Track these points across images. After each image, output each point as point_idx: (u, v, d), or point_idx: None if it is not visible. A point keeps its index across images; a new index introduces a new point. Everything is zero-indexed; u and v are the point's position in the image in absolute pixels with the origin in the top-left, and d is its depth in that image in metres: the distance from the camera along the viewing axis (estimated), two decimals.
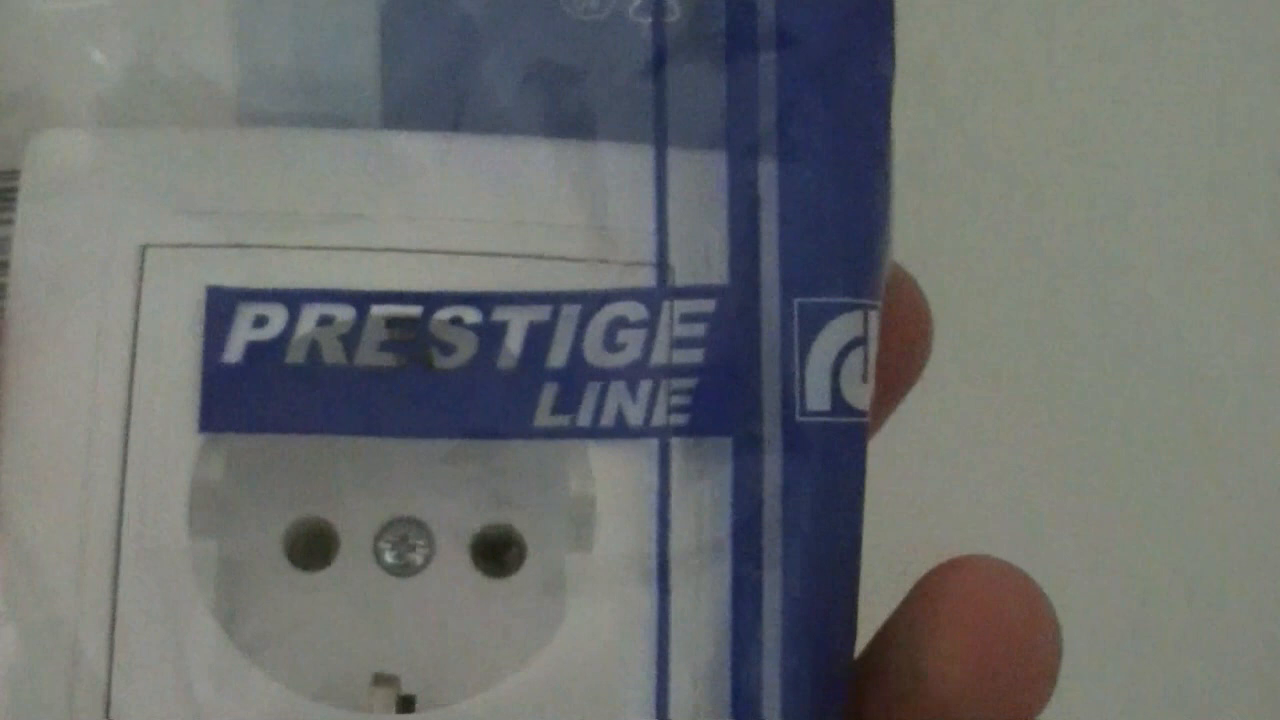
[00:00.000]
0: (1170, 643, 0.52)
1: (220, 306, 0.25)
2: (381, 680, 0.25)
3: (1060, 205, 0.51)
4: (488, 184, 0.26)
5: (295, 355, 0.25)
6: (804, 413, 0.25)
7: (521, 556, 0.26)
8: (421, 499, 0.26)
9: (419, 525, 0.26)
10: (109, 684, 0.25)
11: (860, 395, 0.25)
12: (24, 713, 0.25)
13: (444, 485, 0.26)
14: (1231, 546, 0.53)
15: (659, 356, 0.25)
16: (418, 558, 0.26)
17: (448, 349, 0.25)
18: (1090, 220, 0.52)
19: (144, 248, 0.25)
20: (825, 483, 0.25)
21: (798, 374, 0.25)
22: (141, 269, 0.25)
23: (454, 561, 0.26)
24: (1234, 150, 0.54)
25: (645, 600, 0.25)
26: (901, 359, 0.26)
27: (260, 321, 0.25)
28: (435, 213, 0.26)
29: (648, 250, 0.25)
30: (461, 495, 0.26)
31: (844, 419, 0.25)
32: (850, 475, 0.25)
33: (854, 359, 0.25)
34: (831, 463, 0.25)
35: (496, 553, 0.26)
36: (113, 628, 0.25)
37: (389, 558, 0.26)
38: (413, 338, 0.25)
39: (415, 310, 0.25)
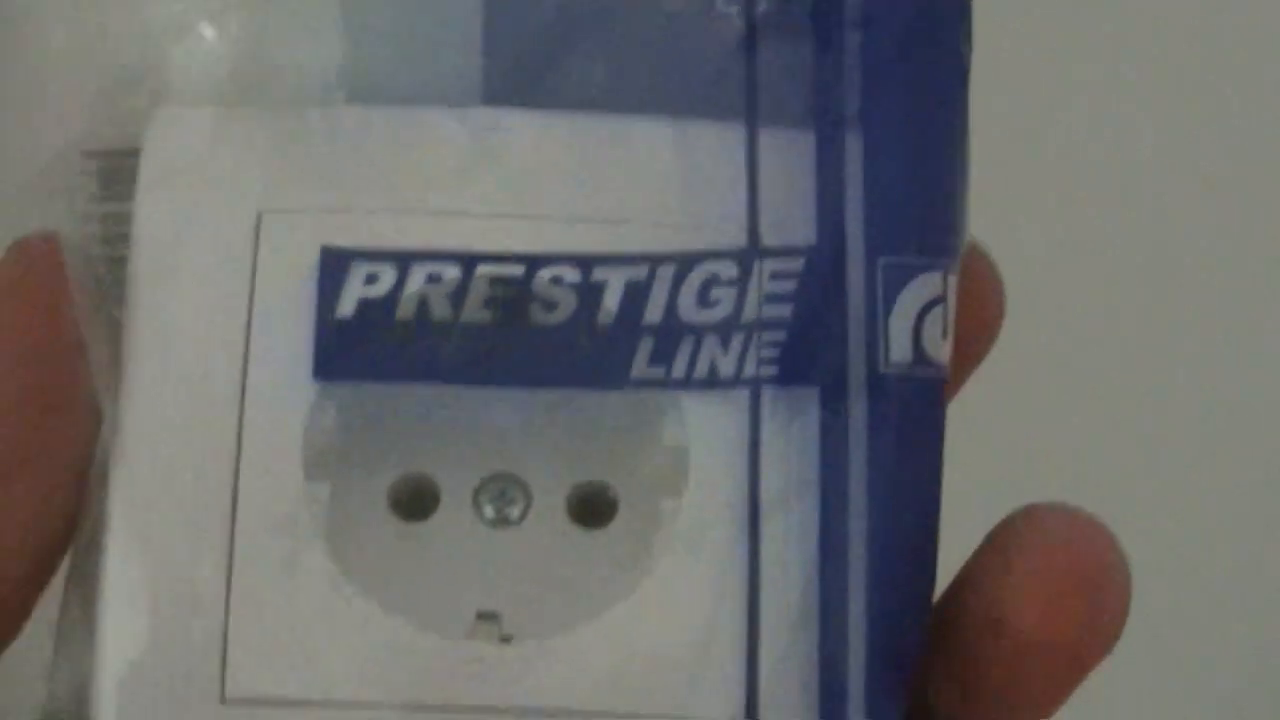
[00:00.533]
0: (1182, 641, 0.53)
1: (334, 265, 0.27)
2: (484, 616, 0.26)
3: (1064, 206, 0.53)
4: (586, 156, 0.27)
5: (404, 311, 0.26)
6: (887, 364, 0.26)
7: (615, 509, 0.27)
8: (519, 455, 0.27)
9: (517, 481, 0.27)
10: (226, 616, 0.26)
11: (940, 350, 0.26)
12: (142, 652, 0.26)
13: (541, 442, 0.27)
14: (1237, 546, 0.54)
15: (750, 312, 0.26)
16: (515, 511, 0.27)
17: (549, 306, 0.27)
18: (1095, 220, 0.53)
19: (260, 213, 0.27)
20: (907, 430, 0.26)
21: (881, 327, 0.26)
22: (257, 233, 0.27)
23: (550, 514, 0.27)
24: (1238, 148, 0.55)
25: (736, 542, 0.26)
26: (975, 329, 0.28)
27: (371, 279, 0.27)
28: (537, 181, 0.27)
29: (739, 216, 0.27)
30: (557, 451, 0.27)
31: (925, 371, 0.26)
32: (931, 424, 0.26)
33: (934, 315, 0.26)
34: (913, 411, 0.26)
35: (591, 506, 0.27)
36: (230, 563, 0.26)
37: (488, 511, 0.27)
38: (515, 295, 0.27)
39: (518, 270, 0.27)
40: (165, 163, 0.27)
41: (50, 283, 0.27)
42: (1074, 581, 0.26)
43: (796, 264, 0.27)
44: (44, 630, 0.27)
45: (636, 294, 0.27)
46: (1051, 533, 0.26)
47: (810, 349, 0.26)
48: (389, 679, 0.26)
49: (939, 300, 0.27)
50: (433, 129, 0.27)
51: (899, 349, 0.26)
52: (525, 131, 0.27)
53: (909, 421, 0.26)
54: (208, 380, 0.26)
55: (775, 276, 0.27)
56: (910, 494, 0.26)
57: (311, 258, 0.27)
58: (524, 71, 0.28)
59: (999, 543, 0.26)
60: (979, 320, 0.28)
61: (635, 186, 0.27)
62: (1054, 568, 0.26)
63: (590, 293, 0.27)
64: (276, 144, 0.27)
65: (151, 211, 0.27)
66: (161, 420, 0.26)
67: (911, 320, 0.26)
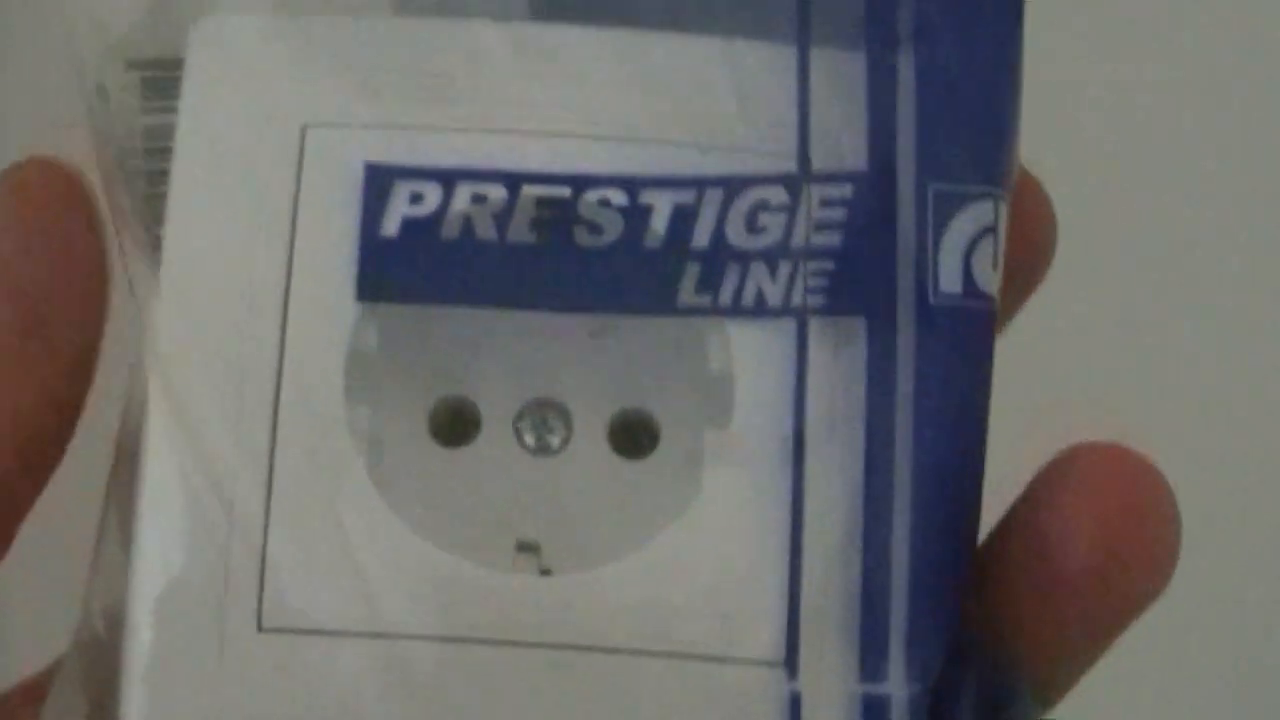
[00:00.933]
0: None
1: (378, 183, 0.26)
2: (524, 547, 0.26)
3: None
4: (635, 74, 0.27)
5: (449, 231, 0.26)
6: (937, 294, 0.26)
7: (656, 438, 0.27)
8: (561, 382, 0.27)
9: (557, 407, 0.27)
10: (265, 539, 0.25)
11: (990, 280, 0.26)
12: (179, 577, 0.26)
13: (583, 368, 0.27)
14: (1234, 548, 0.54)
15: (798, 239, 0.26)
16: (555, 439, 0.27)
17: (595, 229, 0.26)
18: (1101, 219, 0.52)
19: (304, 127, 0.27)
20: (956, 362, 0.26)
21: (931, 257, 0.26)
22: (302, 148, 0.27)
23: (592, 442, 0.27)
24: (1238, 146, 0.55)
25: (780, 474, 0.26)
26: (1028, 258, 0.27)
27: (416, 198, 0.26)
28: (584, 100, 0.27)
29: (789, 140, 0.26)
30: (600, 378, 0.27)
31: (975, 302, 0.26)
32: (979, 356, 0.26)
33: (985, 245, 0.26)
34: (962, 343, 0.26)
35: (633, 434, 0.27)
36: (270, 486, 0.26)
37: (528, 438, 0.27)
38: (561, 217, 0.26)
39: (565, 191, 0.26)
40: (209, 72, 0.27)
41: (44, 205, 0.27)
42: (1124, 516, 0.25)
43: (846, 190, 0.26)
44: (78, 556, 0.27)
45: (684, 218, 0.26)
46: (1100, 469, 0.26)
47: (859, 278, 0.26)
48: (428, 611, 0.25)
49: (990, 230, 0.26)
50: (481, 44, 0.27)
51: (949, 279, 0.26)
52: (574, 48, 0.27)
53: (957, 354, 0.26)
54: (250, 298, 0.26)
55: (825, 203, 0.26)
56: (956, 427, 0.26)
57: (356, 174, 0.26)
58: None
59: (1048, 479, 0.26)
60: (1032, 248, 0.27)
61: (684, 107, 0.27)
62: (1103, 503, 0.25)
63: (637, 215, 0.26)
64: (322, 55, 0.27)
65: (195, 121, 0.27)
66: (201, 337, 0.26)
67: (962, 250, 0.26)
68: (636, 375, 0.27)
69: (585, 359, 0.27)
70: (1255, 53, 0.57)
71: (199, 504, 0.26)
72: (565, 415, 0.27)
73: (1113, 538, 0.25)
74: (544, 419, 0.27)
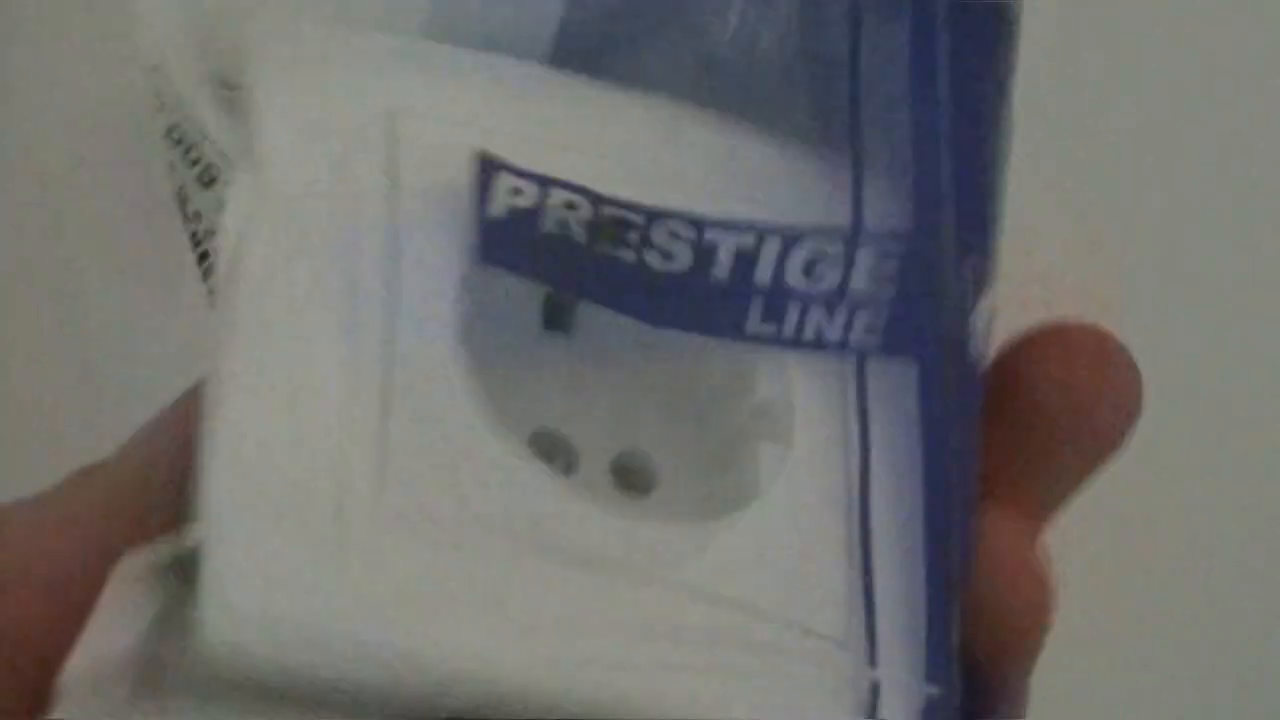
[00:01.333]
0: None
1: (485, 171, 0.27)
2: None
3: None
4: (691, 140, 0.29)
5: (549, 224, 0.27)
6: (973, 352, 0.29)
7: (654, 480, 0.28)
8: (569, 415, 0.28)
9: (562, 440, 0.28)
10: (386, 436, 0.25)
11: (988, 350, 0.29)
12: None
13: (590, 403, 0.28)
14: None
15: (853, 286, 0.28)
16: (558, 469, 0.28)
17: (667, 255, 0.28)
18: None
19: (393, 113, 0.27)
20: (975, 418, 0.28)
21: (971, 321, 0.29)
22: (394, 131, 0.27)
23: (595, 477, 0.28)
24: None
25: (845, 490, 0.27)
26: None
27: (517, 192, 0.27)
28: (654, 152, 0.29)
29: (844, 205, 0.29)
30: (605, 415, 0.28)
31: (983, 363, 0.29)
32: (977, 417, 0.29)
33: (992, 325, 0.29)
34: (977, 403, 0.29)
35: (634, 474, 0.28)
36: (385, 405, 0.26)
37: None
38: (638, 240, 0.27)
39: (639, 218, 0.28)
40: (280, 75, 0.27)
41: None
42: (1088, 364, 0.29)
43: (897, 247, 0.28)
44: None
45: (746, 258, 0.28)
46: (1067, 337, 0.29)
47: (911, 327, 0.28)
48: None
49: (995, 314, 0.29)
50: (544, 83, 0.28)
51: (975, 348, 0.29)
52: (640, 111, 0.29)
53: (974, 410, 0.29)
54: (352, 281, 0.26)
55: (878, 256, 0.28)
56: (970, 477, 0.28)
57: (456, 162, 0.27)
58: (600, 37, 0.29)
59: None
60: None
61: (743, 173, 0.29)
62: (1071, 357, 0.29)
63: (703, 251, 0.28)
64: (395, 55, 0.28)
65: (274, 122, 0.27)
66: (306, 316, 0.26)
67: (986, 322, 0.29)
68: (639, 416, 0.28)
69: (591, 396, 0.28)
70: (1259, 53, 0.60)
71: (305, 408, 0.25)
72: (569, 448, 0.28)
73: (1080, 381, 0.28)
74: (548, 450, 0.28)
